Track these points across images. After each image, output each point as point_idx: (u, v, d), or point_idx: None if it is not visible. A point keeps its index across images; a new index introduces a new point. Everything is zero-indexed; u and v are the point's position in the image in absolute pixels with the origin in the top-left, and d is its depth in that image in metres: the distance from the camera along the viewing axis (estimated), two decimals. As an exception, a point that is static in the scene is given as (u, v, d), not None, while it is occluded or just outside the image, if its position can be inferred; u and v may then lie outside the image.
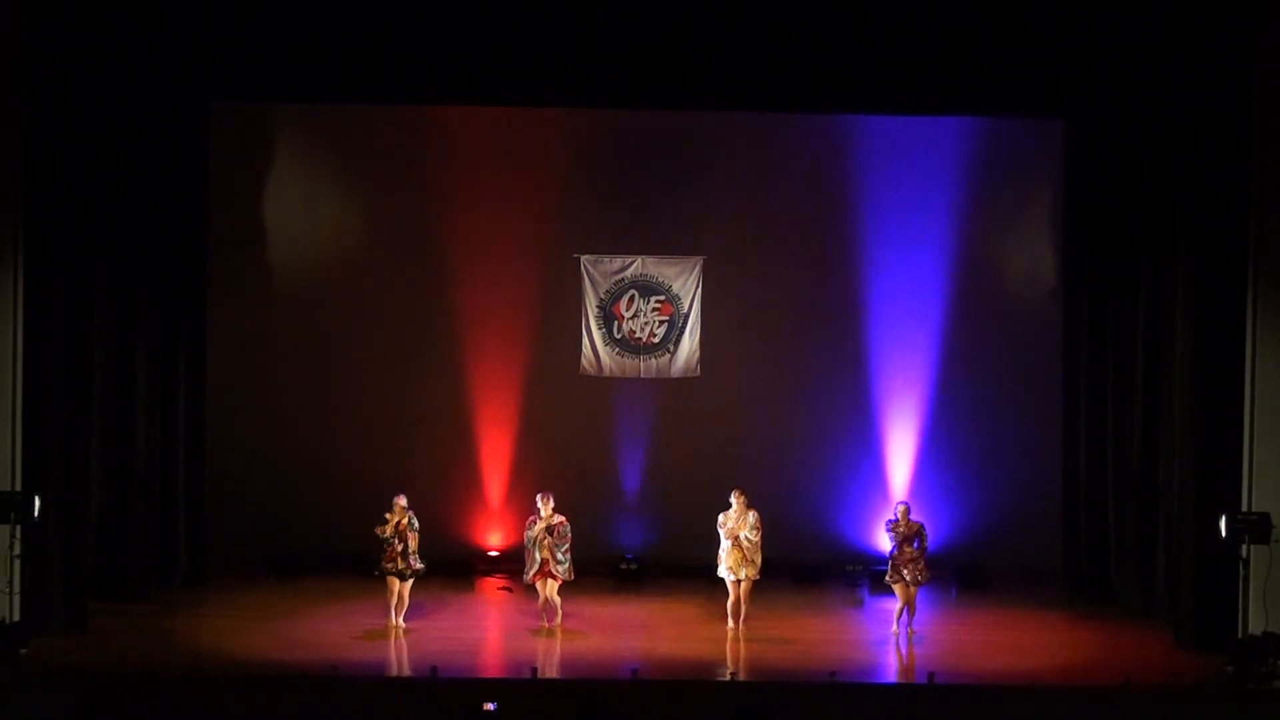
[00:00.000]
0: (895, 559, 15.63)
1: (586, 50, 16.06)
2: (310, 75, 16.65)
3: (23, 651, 13.87)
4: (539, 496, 15.80)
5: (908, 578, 15.56)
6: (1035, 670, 14.23)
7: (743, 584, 15.65)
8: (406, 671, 14.34)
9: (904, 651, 15.22)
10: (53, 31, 14.74)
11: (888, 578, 15.76)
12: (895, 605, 15.69)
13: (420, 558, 15.66)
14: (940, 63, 16.09)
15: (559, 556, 15.59)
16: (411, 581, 15.70)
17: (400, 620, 15.64)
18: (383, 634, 15.46)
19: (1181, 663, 14.54)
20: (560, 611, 15.74)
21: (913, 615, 15.69)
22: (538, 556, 15.58)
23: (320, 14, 15.82)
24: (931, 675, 13.65)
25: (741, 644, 15.39)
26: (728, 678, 14.08)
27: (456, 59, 16.19)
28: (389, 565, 15.59)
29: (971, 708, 13.13)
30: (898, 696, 13.81)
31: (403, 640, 15.29)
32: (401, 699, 13.30)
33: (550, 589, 15.68)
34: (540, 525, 15.61)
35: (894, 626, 15.68)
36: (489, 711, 10.76)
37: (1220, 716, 13.37)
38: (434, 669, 13.59)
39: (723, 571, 15.70)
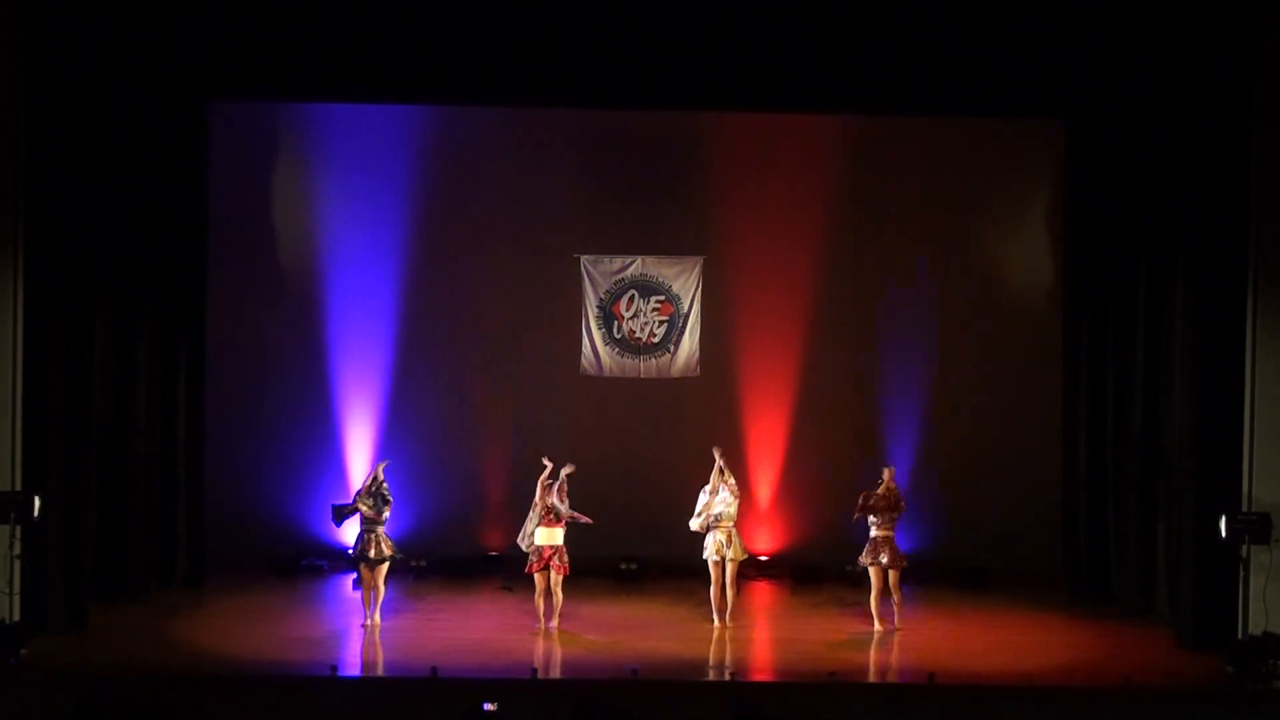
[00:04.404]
0: (875, 537, 15.62)
1: (586, 50, 16.05)
2: (310, 75, 16.64)
3: (23, 651, 13.86)
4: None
5: (885, 560, 15.56)
6: (1035, 670, 14.20)
7: (727, 566, 15.65)
8: (406, 671, 14.32)
9: (889, 649, 15.28)
10: (52, 31, 14.73)
11: (864, 559, 15.71)
12: (888, 601, 15.72)
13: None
14: (940, 63, 16.08)
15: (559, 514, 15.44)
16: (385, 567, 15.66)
17: (377, 615, 15.59)
18: (385, 634, 15.47)
19: (1181, 663, 14.53)
20: (559, 611, 15.60)
21: (900, 604, 15.69)
22: (537, 543, 15.44)
23: (320, 13, 15.82)
24: (931, 675, 13.63)
25: (740, 644, 15.40)
26: (727, 678, 14.07)
27: (457, 59, 16.18)
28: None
29: (971, 708, 13.11)
30: (898, 696, 13.80)
31: (389, 639, 15.28)
32: (401, 699, 13.29)
33: (554, 582, 15.53)
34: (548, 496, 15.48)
35: (876, 623, 15.68)
36: (489, 711, 10.74)
37: (1220, 716, 13.35)
38: (434, 669, 13.58)
39: (708, 554, 15.73)
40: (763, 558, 18.48)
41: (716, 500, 15.67)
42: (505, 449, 18.94)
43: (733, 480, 15.73)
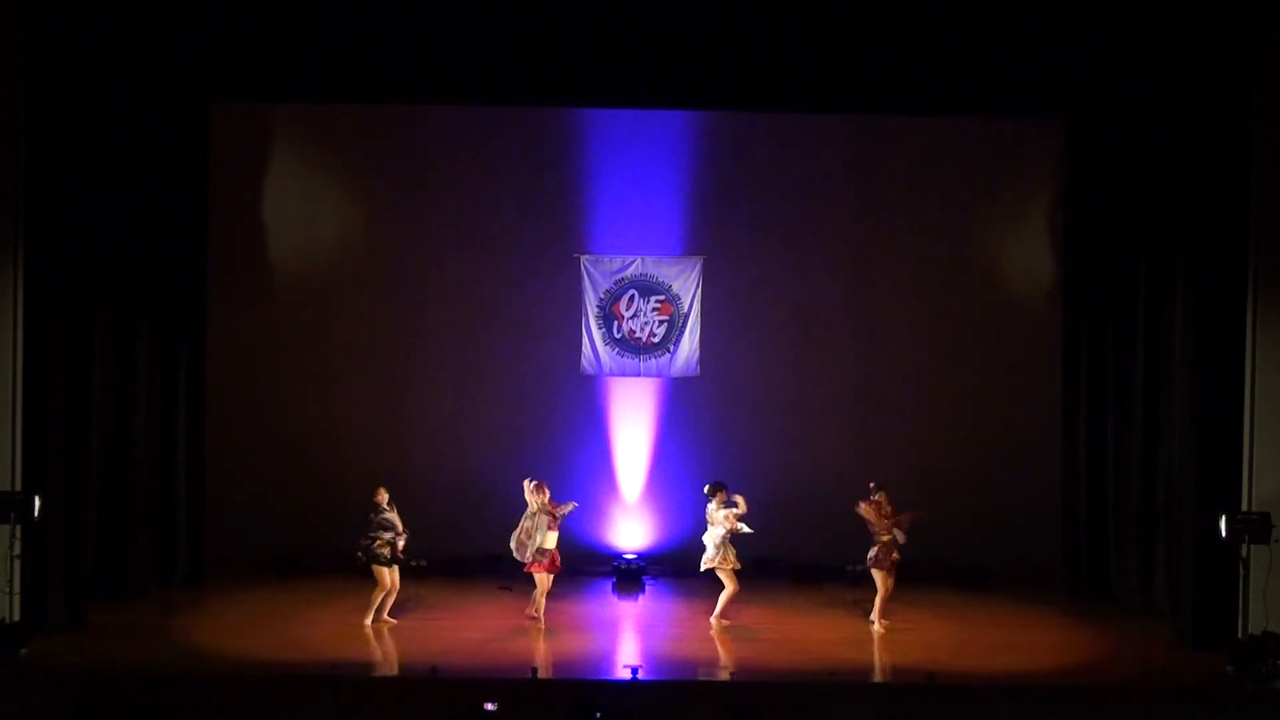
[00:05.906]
0: (882, 541, 15.62)
1: (587, 50, 16.05)
2: (310, 75, 16.64)
3: (23, 651, 13.87)
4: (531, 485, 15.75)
5: (895, 558, 15.57)
6: (1035, 670, 14.22)
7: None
8: (406, 671, 14.32)
9: (889, 649, 15.29)
10: (53, 31, 14.74)
11: (872, 560, 15.67)
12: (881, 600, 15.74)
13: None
14: (940, 63, 16.07)
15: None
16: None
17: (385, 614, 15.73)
18: (383, 633, 15.48)
19: (1181, 663, 14.54)
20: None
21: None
22: (542, 545, 15.53)
23: (320, 14, 15.82)
24: (931, 675, 13.65)
25: (740, 644, 15.40)
26: (727, 678, 14.08)
27: (457, 59, 16.18)
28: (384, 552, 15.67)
29: (971, 708, 13.12)
30: (897, 696, 13.80)
31: (388, 639, 15.30)
32: (401, 699, 13.31)
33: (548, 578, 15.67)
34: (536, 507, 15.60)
35: (879, 623, 15.70)
36: (489, 711, 10.76)
37: (1220, 716, 13.36)
38: (434, 669, 13.59)
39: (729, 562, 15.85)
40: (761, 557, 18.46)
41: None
42: (505, 449, 18.92)
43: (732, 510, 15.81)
